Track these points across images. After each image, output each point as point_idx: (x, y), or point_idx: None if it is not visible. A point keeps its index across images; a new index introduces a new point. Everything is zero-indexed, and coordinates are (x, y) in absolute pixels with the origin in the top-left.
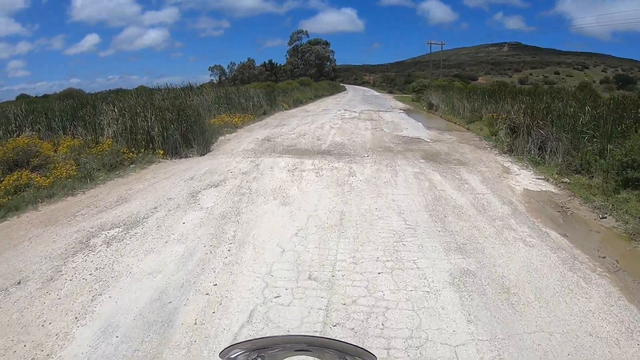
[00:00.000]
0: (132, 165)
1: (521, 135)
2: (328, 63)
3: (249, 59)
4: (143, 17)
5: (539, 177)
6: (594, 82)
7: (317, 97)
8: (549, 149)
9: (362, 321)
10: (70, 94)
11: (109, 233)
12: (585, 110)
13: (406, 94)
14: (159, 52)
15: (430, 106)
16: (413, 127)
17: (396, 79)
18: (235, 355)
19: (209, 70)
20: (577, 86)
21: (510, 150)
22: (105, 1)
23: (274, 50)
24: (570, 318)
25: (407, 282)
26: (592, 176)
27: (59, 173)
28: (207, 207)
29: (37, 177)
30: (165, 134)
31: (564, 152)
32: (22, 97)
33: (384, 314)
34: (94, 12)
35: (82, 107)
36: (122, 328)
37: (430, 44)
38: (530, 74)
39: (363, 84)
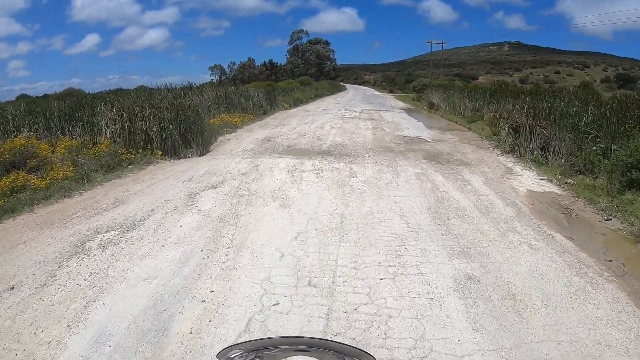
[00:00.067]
0: (130, 166)
1: (524, 135)
2: (328, 62)
3: (249, 59)
4: (143, 16)
5: (542, 177)
6: (595, 81)
7: (318, 96)
8: (551, 149)
9: (364, 330)
10: (70, 94)
11: (105, 236)
12: (588, 109)
13: (407, 93)
14: (159, 51)
15: (431, 106)
16: (414, 127)
17: (397, 79)
18: (233, 355)
19: (209, 70)
20: (578, 85)
21: (513, 150)
22: (105, 1)
23: (274, 49)
24: (578, 326)
25: (410, 288)
26: (596, 177)
27: (55, 174)
28: (205, 210)
29: (33, 179)
30: (163, 134)
31: (567, 153)
32: (23, 97)
33: (386, 323)
34: (94, 12)
35: (80, 107)
36: (116, 337)
37: (431, 43)
38: (531, 73)
39: (363, 83)
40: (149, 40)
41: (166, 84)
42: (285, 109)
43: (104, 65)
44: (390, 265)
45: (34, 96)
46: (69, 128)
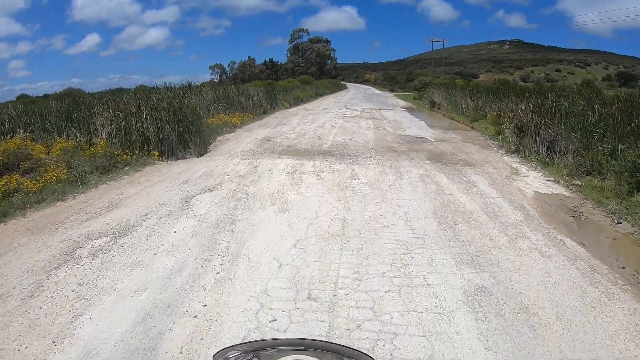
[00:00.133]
0: (126, 168)
1: (529, 134)
2: (329, 61)
3: (249, 58)
4: (143, 16)
5: (549, 178)
6: (596, 79)
7: (318, 95)
8: (557, 149)
9: (368, 350)
10: (70, 94)
11: (96, 243)
12: (594, 108)
13: (408, 92)
14: (159, 51)
15: (433, 104)
16: (416, 126)
17: (397, 77)
18: (231, 356)
19: (210, 69)
20: (579, 84)
21: (518, 150)
22: (105, 1)
23: (275, 48)
24: (596, 341)
25: (417, 302)
26: (604, 178)
27: (49, 177)
28: (201, 214)
29: (27, 181)
30: (160, 134)
31: (574, 153)
32: (23, 97)
33: (392, 341)
34: (94, 11)
35: (76, 108)
36: (102, 356)
37: (432, 41)
38: (532, 72)
39: (364, 82)
40: (150, 40)
41: (165, 84)
42: (286, 108)
43: (104, 65)
44: (395, 276)
45: (34, 96)
46: (65, 129)
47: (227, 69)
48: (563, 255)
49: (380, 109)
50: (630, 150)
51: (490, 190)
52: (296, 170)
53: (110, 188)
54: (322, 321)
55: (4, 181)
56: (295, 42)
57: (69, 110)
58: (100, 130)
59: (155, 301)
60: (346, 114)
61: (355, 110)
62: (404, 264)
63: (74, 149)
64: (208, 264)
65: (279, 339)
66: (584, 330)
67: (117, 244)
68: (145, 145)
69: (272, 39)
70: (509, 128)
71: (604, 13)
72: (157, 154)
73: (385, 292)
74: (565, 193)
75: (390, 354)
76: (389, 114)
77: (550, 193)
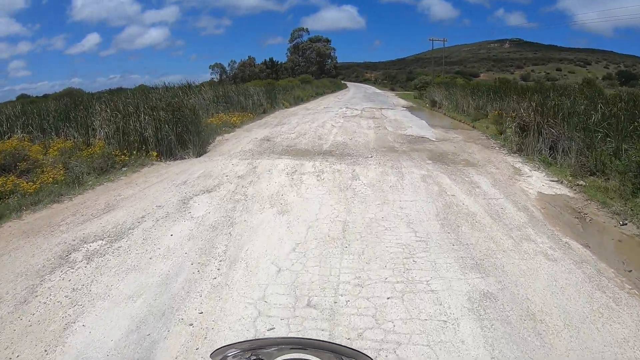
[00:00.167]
0: (124, 169)
1: (531, 134)
2: (329, 60)
3: (249, 57)
4: (144, 16)
5: (552, 179)
6: (597, 78)
7: (318, 94)
8: (560, 149)
9: None
10: (70, 94)
11: (91, 246)
12: (597, 107)
13: (408, 91)
14: (160, 50)
15: (434, 103)
16: (417, 126)
17: (398, 76)
18: (231, 354)
19: (210, 68)
20: (580, 83)
21: (520, 150)
22: (105, 0)
23: (275, 48)
24: (605, 349)
25: (421, 309)
26: (608, 178)
27: (45, 178)
28: (198, 217)
29: (23, 183)
30: (159, 135)
31: (577, 152)
32: (23, 97)
33: (395, 351)
34: (94, 11)
35: (74, 108)
36: None
37: (432, 40)
38: (532, 71)
39: (364, 81)
40: (150, 40)
41: (164, 83)
42: (286, 107)
43: (104, 64)
44: (397, 282)
45: (34, 96)
46: (63, 129)
47: (227, 69)
48: (569, 258)
49: (380, 108)
50: (634, 150)
51: (494, 191)
52: (296, 170)
53: (107, 189)
54: (322, 330)
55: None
56: (295, 42)
57: (67, 111)
58: (98, 131)
59: (150, 308)
60: (346, 113)
61: (356, 109)
62: (407, 269)
63: (71, 150)
64: (205, 268)
65: (278, 337)
66: (592, 337)
67: (113, 248)
68: (144, 146)
69: (272, 38)
70: (510, 127)
71: (605, 12)
72: (155, 154)
73: (388, 298)
74: (569, 194)
75: None
76: (389, 113)
77: (554, 194)
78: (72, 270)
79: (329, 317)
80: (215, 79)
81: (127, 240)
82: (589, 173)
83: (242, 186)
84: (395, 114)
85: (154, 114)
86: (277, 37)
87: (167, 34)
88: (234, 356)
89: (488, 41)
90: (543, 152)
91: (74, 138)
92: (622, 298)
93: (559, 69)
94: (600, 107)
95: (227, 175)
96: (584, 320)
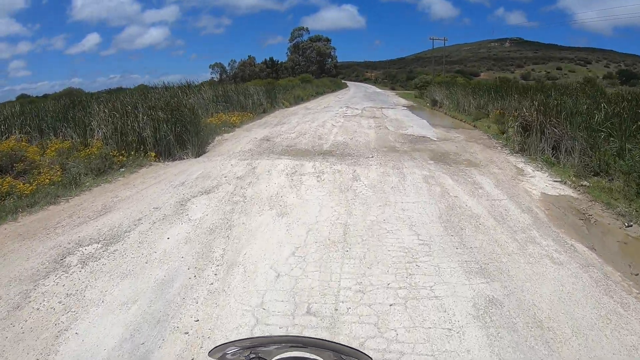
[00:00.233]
0: (121, 169)
1: (534, 133)
2: (329, 60)
3: (249, 57)
4: (144, 15)
5: (555, 179)
6: (597, 77)
7: (319, 94)
8: (563, 149)
9: None
10: (69, 94)
11: (86, 250)
12: (600, 107)
13: (408, 90)
14: (160, 50)
15: (434, 103)
16: (418, 125)
17: (398, 76)
18: (230, 351)
19: (210, 68)
20: (581, 82)
21: (522, 150)
22: (105, 0)
23: (275, 47)
24: (614, 357)
25: (425, 316)
26: (612, 178)
27: (42, 179)
28: (196, 219)
29: (19, 184)
30: (157, 135)
31: (580, 152)
32: (23, 97)
33: None
34: (94, 11)
35: (73, 108)
36: None
37: (433, 39)
38: (533, 70)
39: (365, 80)
40: (150, 39)
41: (164, 83)
42: (286, 107)
43: (105, 64)
44: (400, 287)
45: (34, 96)
46: (62, 129)
47: (227, 68)
48: (575, 261)
49: (381, 108)
50: (638, 150)
51: (497, 192)
52: (296, 171)
53: (104, 190)
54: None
55: None
56: (295, 41)
57: (65, 111)
58: (96, 131)
59: (145, 315)
60: (347, 112)
61: (356, 109)
62: (410, 274)
63: (69, 151)
64: (201, 273)
65: (277, 336)
66: (600, 345)
67: (108, 252)
68: (142, 146)
69: (273, 37)
70: (513, 127)
71: (605, 11)
72: (153, 154)
73: (390, 305)
74: (573, 194)
75: None
76: (390, 113)
77: (557, 194)
78: (66, 275)
79: (329, 326)
80: (216, 79)
81: (123, 244)
82: (592, 173)
83: (241, 187)
84: (396, 113)
85: (153, 113)
86: (277, 37)
87: (167, 34)
88: (233, 354)
89: (488, 40)
90: (546, 152)
91: (72, 138)
92: (630, 303)
93: (559, 68)
94: (604, 106)
95: (225, 176)
96: (592, 327)
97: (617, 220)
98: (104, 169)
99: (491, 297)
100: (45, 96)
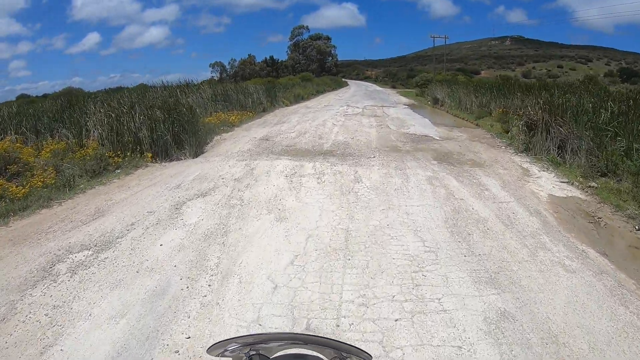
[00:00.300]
0: (117, 171)
1: (539, 132)
2: (330, 58)
3: (249, 55)
4: (144, 14)
5: (562, 180)
6: (599, 75)
7: (319, 92)
8: (569, 148)
9: None
10: (69, 93)
11: (77, 257)
12: (607, 105)
13: (409, 88)
14: (160, 49)
15: (436, 101)
16: (420, 124)
17: (398, 74)
18: (230, 348)
19: (210, 67)
20: (582, 80)
21: (527, 149)
22: (105, 0)
23: (275, 46)
24: None
25: (433, 332)
26: (620, 179)
27: (35, 182)
28: (190, 224)
29: (12, 187)
30: (154, 135)
31: (587, 152)
32: (23, 97)
33: None
34: (94, 10)
35: (69, 108)
36: None
37: (434, 37)
38: (534, 68)
39: (365, 79)
40: (150, 38)
41: (162, 82)
42: (286, 105)
43: (105, 63)
44: (406, 300)
45: (34, 96)
46: (58, 130)
47: (227, 67)
48: (587, 269)
49: (382, 106)
50: None
51: (503, 193)
52: (295, 172)
53: (98, 193)
54: None
55: None
56: (295, 39)
57: (61, 111)
58: (92, 132)
59: (133, 331)
60: (347, 111)
61: (357, 107)
62: (416, 285)
63: (64, 152)
64: (195, 284)
65: (278, 333)
66: None
67: (99, 259)
68: (138, 147)
69: (273, 36)
70: (517, 126)
71: (606, 8)
72: (150, 155)
73: (396, 320)
74: (580, 196)
75: None
76: (391, 111)
77: (565, 196)
78: (54, 285)
79: None
80: (216, 78)
81: (114, 251)
82: (599, 174)
83: (239, 190)
84: (397, 112)
85: (150, 113)
86: (277, 35)
87: (167, 33)
88: (233, 350)
89: (489, 38)
90: (551, 151)
91: (67, 139)
92: None
93: (560, 66)
94: (610, 104)
95: (223, 178)
96: (609, 342)
97: (627, 223)
98: (99, 171)
99: (503, 310)
100: (45, 96)
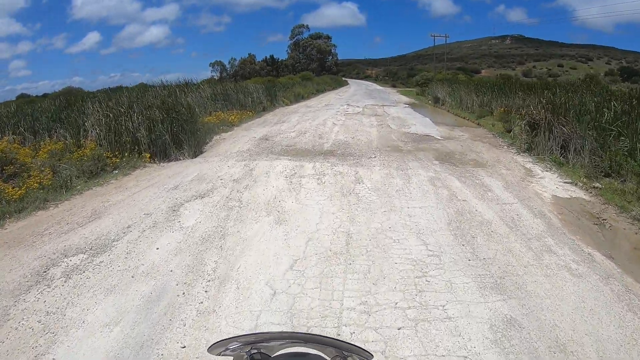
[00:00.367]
0: (115, 171)
1: (542, 132)
2: (330, 57)
3: (249, 54)
4: (144, 14)
5: (565, 180)
6: (599, 74)
7: (319, 91)
8: (572, 148)
9: None
10: (69, 93)
11: (71, 261)
12: (611, 105)
13: (409, 87)
14: (160, 48)
15: (436, 100)
16: (421, 123)
17: (399, 73)
18: (231, 346)
19: (210, 66)
20: (584, 79)
21: (529, 149)
22: None
23: (275, 45)
24: None
25: (437, 342)
26: (624, 180)
27: (31, 183)
28: (188, 227)
29: (8, 188)
30: (152, 135)
31: (590, 152)
32: (23, 97)
33: None
34: (94, 10)
35: (68, 107)
36: None
37: (434, 36)
38: (534, 67)
39: (365, 78)
40: (150, 38)
41: (161, 81)
42: (286, 104)
43: (105, 63)
44: (409, 307)
45: (34, 95)
46: (55, 130)
47: (227, 66)
48: (594, 273)
49: (382, 105)
50: None
51: (507, 195)
52: (295, 173)
53: (95, 194)
54: None
55: None
56: (295, 39)
57: (59, 111)
58: (90, 132)
59: (127, 339)
60: (348, 110)
61: (357, 106)
62: (419, 291)
63: (61, 152)
64: (191, 290)
65: (279, 332)
66: None
67: (94, 263)
68: (136, 147)
69: (273, 35)
70: (519, 125)
71: (606, 7)
72: (148, 155)
73: (399, 329)
74: (585, 197)
75: None
76: (392, 111)
77: (569, 197)
78: (48, 290)
79: None
80: (216, 77)
81: (110, 255)
82: (603, 174)
83: (237, 191)
84: (398, 111)
85: (148, 113)
86: (277, 34)
87: (168, 32)
88: (234, 349)
89: (489, 37)
90: (554, 151)
91: (65, 139)
92: None
93: (560, 65)
94: (614, 104)
95: (221, 179)
96: (618, 350)
97: (633, 224)
98: (96, 171)
99: (509, 317)
100: (45, 95)
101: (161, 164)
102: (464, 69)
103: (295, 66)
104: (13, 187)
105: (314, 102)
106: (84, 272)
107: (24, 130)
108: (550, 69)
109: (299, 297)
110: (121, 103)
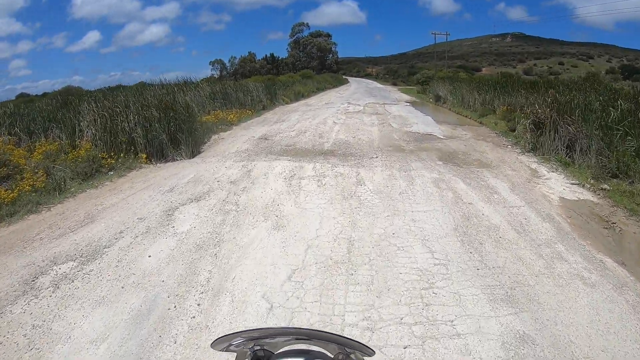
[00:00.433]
0: (110, 173)
1: (547, 131)
2: (330, 55)
3: (249, 53)
4: (144, 12)
5: (572, 181)
6: (600, 72)
7: (320, 90)
8: (578, 148)
9: None
10: (68, 92)
11: (60, 269)
12: (616, 103)
13: (410, 86)
14: (160, 47)
15: (438, 98)
16: (422, 122)
17: (399, 71)
18: (235, 342)
19: (210, 64)
20: (585, 77)
21: (534, 149)
22: None
23: (276, 43)
24: None
25: None
26: (633, 181)
27: (24, 186)
28: (182, 232)
29: (0, 191)
30: (149, 135)
31: (597, 152)
32: (22, 96)
33: None
34: (94, 9)
35: (64, 107)
36: None
37: (435, 34)
38: (535, 65)
39: (366, 76)
40: (150, 36)
41: (160, 80)
42: (286, 103)
43: (105, 62)
44: (416, 323)
45: (34, 95)
46: (51, 130)
47: (228, 65)
48: (607, 282)
49: (384, 104)
50: None
51: (513, 197)
52: (294, 174)
53: (89, 197)
54: None
55: None
56: (296, 37)
57: (55, 111)
58: (85, 132)
59: (114, 357)
60: (349, 109)
61: (358, 105)
62: (426, 304)
63: (56, 153)
64: (183, 303)
65: (282, 327)
66: None
67: (83, 272)
68: (132, 147)
69: (273, 33)
70: (523, 124)
71: (607, 5)
72: (145, 156)
73: (405, 348)
74: (593, 199)
75: None
76: (393, 109)
77: (577, 199)
78: (36, 300)
79: None
80: (216, 75)
81: (100, 263)
82: (610, 175)
83: (234, 193)
84: (399, 110)
85: (145, 112)
86: (277, 33)
87: (168, 31)
88: (237, 345)
89: (490, 35)
90: (559, 151)
91: (60, 140)
92: None
93: (561, 63)
94: (620, 103)
95: (219, 181)
96: None
97: None
98: (91, 173)
99: (522, 333)
100: (45, 95)
101: (158, 164)
102: (464, 67)
103: (295, 64)
104: (5, 190)
105: (314, 100)
106: (72, 281)
107: (20, 130)
108: (551, 67)
109: (298, 311)
110: (117, 102)
